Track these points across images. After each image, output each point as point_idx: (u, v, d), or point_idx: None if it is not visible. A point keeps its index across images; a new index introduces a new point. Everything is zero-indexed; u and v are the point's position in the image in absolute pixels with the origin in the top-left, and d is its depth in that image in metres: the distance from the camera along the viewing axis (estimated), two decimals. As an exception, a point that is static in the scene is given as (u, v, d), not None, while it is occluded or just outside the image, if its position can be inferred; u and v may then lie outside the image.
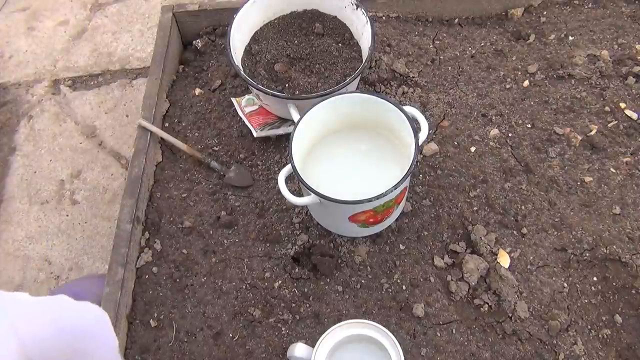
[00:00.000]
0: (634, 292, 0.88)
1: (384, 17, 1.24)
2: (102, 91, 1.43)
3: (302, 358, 0.78)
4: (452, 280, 0.90)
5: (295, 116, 0.96)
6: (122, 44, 1.53)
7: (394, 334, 0.85)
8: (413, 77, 1.14)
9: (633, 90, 1.09)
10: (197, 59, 1.26)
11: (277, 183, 0.87)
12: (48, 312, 0.49)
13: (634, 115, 1.06)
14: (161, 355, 0.88)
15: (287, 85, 1.04)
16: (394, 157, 0.92)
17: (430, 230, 0.96)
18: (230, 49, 1.01)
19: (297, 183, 1.03)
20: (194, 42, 1.26)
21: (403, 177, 0.80)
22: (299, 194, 0.94)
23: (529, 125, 1.07)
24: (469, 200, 0.98)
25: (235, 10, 1.05)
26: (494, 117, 1.09)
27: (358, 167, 0.95)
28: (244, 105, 1.12)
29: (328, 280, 0.92)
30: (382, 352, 0.78)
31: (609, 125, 1.05)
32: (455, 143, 1.06)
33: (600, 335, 0.85)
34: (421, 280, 0.91)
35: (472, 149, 1.04)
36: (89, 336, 0.52)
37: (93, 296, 0.96)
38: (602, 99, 1.09)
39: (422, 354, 0.84)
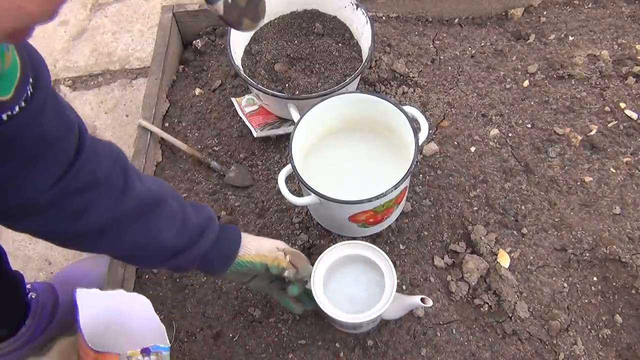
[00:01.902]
0: (634, 292, 0.88)
1: (384, 17, 1.24)
2: (102, 91, 1.43)
3: None
4: (452, 280, 0.90)
5: (295, 116, 0.96)
6: (122, 44, 1.53)
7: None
8: (413, 77, 1.14)
9: (633, 90, 1.09)
10: (197, 59, 1.26)
11: (277, 183, 0.87)
12: (108, 302, 0.64)
13: (634, 115, 1.06)
14: (161, 355, 0.88)
15: (287, 85, 1.04)
16: (394, 157, 0.92)
17: (430, 230, 0.96)
18: (230, 49, 1.01)
19: (297, 183, 1.03)
20: (194, 42, 1.26)
21: (403, 177, 0.80)
22: (299, 194, 0.94)
23: (529, 125, 1.07)
24: (469, 200, 0.98)
25: (235, 10, 1.05)
26: (494, 117, 1.09)
27: (358, 167, 0.95)
28: (244, 105, 1.12)
29: (328, 280, 0.92)
30: (375, 271, 0.81)
31: (609, 125, 1.05)
32: (455, 143, 1.06)
33: (600, 335, 0.85)
34: (421, 280, 0.91)
35: (472, 149, 1.04)
36: (135, 316, 0.64)
37: (99, 276, 0.96)
38: (602, 99, 1.09)
39: (422, 354, 0.84)
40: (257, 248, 0.76)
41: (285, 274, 0.77)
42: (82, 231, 0.60)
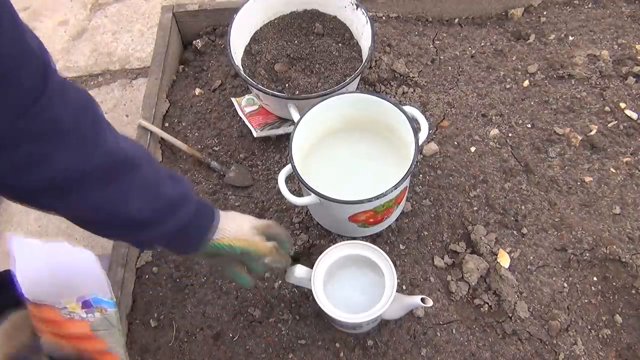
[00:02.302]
0: (634, 292, 0.88)
1: (384, 17, 1.24)
2: (102, 91, 1.43)
3: (302, 277, 0.80)
4: (452, 280, 0.90)
5: (295, 116, 0.96)
6: (122, 44, 1.53)
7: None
8: (413, 77, 1.14)
9: (633, 90, 1.09)
10: (197, 59, 1.26)
11: (277, 183, 0.87)
12: (48, 253, 0.57)
13: (634, 115, 1.06)
14: (161, 355, 0.88)
15: (287, 85, 1.04)
16: (394, 157, 0.92)
17: (430, 230, 0.96)
18: (230, 49, 1.01)
19: (297, 183, 1.03)
20: (194, 42, 1.26)
21: (403, 177, 0.80)
22: (299, 194, 0.94)
23: (529, 125, 1.07)
24: (469, 200, 0.98)
25: (235, 10, 1.05)
26: (494, 117, 1.09)
27: (358, 167, 0.95)
28: (244, 105, 1.12)
29: (328, 280, 0.92)
30: (376, 272, 0.81)
31: (609, 125, 1.05)
32: (455, 143, 1.06)
33: (600, 335, 0.85)
34: (421, 280, 0.91)
35: (472, 149, 1.04)
36: (77, 270, 0.58)
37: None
38: (602, 99, 1.09)
39: (422, 354, 0.84)
40: (237, 231, 0.70)
41: (266, 260, 0.73)
42: (37, 186, 0.52)
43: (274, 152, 1.08)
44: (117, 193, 0.57)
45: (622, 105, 1.07)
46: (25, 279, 0.53)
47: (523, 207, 0.97)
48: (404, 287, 0.90)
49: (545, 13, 1.24)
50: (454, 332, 0.86)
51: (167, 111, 1.17)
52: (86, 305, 0.56)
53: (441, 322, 0.87)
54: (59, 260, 0.57)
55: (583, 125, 1.06)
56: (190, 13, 1.24)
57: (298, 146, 0.87)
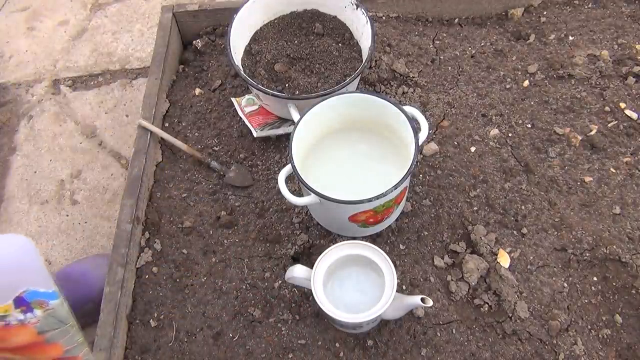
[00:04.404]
0: (634, 292, 0.88)
1: (384, 17, 1.24)
2: (102, 91, 1.43)
3: (302, 278, 0.80)
4: (452, 280, 0.90)
5: (295, 116, 0.96)
6: (122, 44, 1.53)
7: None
8: (413, 77, 1.14)
9: (633, 90, 1.09)
10: (197, 59, 1.26)
11: (277, 183, 0.87)
12: None
13: (634, 115, 1.06)
14: (161, 355, 0.88)
15: (287, 85, 1.04)
16: (394, 157, 0.92)
17: (430, 230, 0.96)
18: (230, 49, 1.01)
19: (297, 183, 1.03)
20: (194, 42, 1.26)
21: (403, 177, 0.80)
22: (299, 194, 0.94)
23: (529, 125, 1.07)
24: (469, 200, 0.98)
25: (235, 10, 1.05)
26: (494, 117, 1.09)
27: (358, 167, 0.95)
28: (244, 105, 1.12)
29: (328, 280, 0.92)
30: (376, 271, 0.81)
31: (609, 125, 1.05)
32: (455, 143, 1.06)
33: (600, 335, 0.85)
34: (421, 280, 0.91)
35: (472, 149, 1.04)
36: (14, 267, 0.46)
37: (100, 275, 0.96)
38: (602, 99, 1.09)
39: (422, 354, 0.84)
40: None
41: None
42: None
43: (274, 152, 1.08)
44: None
45: (622, 105, 1.07)
46: None
47: (523, 207, 0.97)
48: (404, 287, 0.90)
49: (545, 13, 1.24)
50: (454, 332, 0.86)
51: (167, 111, 1.17)
52: (21, 303, 0.45)
53: (441, 322, 0.87)
54: None
55: (583, 125, 1.06)
56: (190, 13, 1.24)
57: (298, 146, 0.87)
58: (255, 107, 1.11)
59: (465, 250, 0.93)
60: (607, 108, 1.07)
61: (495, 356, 0.84)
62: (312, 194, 0.81)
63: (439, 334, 0.86)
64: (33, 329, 0.47)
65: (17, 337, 0.48)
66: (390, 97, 1.11)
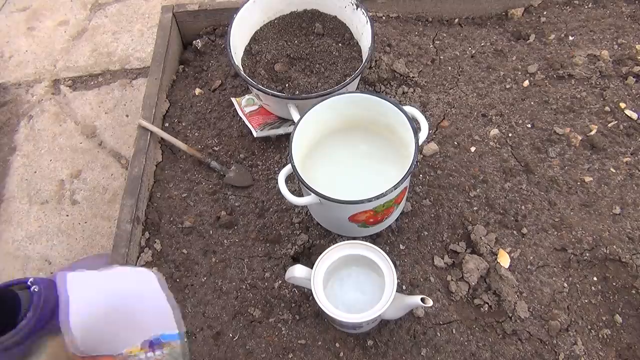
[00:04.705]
0: (634, 292, 0.88)
1: (384, 17, 1.24)
2: (102, 91, 1.43)
3: (302, 278, 0.80)
4: (452, 280, 0.90)
5: (295, 116, 0.96)
6: (122, 44, 1.53)
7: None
8: (413, 77, 1.14)
9: (633, 90, 1.09)
10: (197, 59, 1.26)
11: (277, 183, 0.87)
12: (105, 283, 0.48)
13: (634, 115, 1.06)
14: (161, 355, 0.88)
15: (287, 85, 1.04)
16: (394, 157, 0.92)
17: (430, 230, 0.96)
18: (230, 49, 1.01)
19: (297, 183, 1.03)
20: (194, 42, 1.26)
21: (403, 177, 0.80)
22: (299, 194, 0.94)
23: (529, 125, 1.07)
24: (469, 200, 0.98)
25: (235, 10, 1.05)
26: (494, 117, 1.09)
27: (358, 167, 0.95)
28: (244, 105, 1.12)
29: (328, 280, 0.92)
30: (376, 271, 0.81)
31: (609, 125, 1.05)
32: (455, 143, 1.06)
33: (600, 335, 0.85)
34: (421, 280, 0.91)
35: (472, 149, 1.04)
36: (137, 297, 0.50)
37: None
38: (602, 99, 1.09)
39: (422, 354, 0.84)
40: None
41: None
42: None
43: (274, 152, 1.08)
44: None
45: (622, 105, 1.07)
46: (78, 325, 0.46)
47: (523, 207, 0.97)
48: (404, 287, 0.90)
49: (545, 13, 1.24)
50: (454, 332, 0.86)
51: (167, 111, 1.17)
52: (151, 346, 0.49)
53: (441, 322, 0.87)
54: (116, 291, 0.49)
55: (583, 125, 1.06)
56: (190, 13, 1.24)
57: (298, 146, 0.87)
58: (255, 107, 1.11)
59: (465, 250, 0.93)
60: (607, 108, 1.07)
61: (495, 356, 0.84)
62: (312, 194, 0.81)
63: (439, 334, 0.86)
64: None
65: None
66: (390, 97, 1.11)
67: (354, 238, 0.94)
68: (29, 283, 0.91)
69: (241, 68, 1.05)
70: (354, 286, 0.84)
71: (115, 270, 0.51)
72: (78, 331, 0.47)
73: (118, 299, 0.48)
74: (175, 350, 0.50)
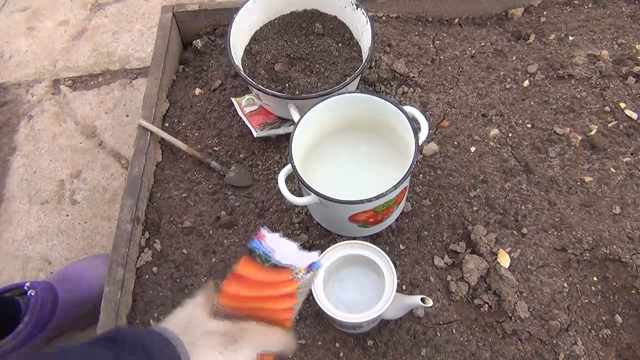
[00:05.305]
0: (634, 292, 0.88)
1: (384, 17, 1.24)
2: (102, 91, 1.43)
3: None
4: (452, 280, 0.90)
5: (295, 116, 0.96)
6: (122, 44, 1.53)
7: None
8: (413, 77, 1.14)
9: (633, 90, 1.09)
10: (197, 59, 1.26)
11: (277, 183, 0.87)
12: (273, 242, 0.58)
13: (634, 115, 1.06)
14: (161, 355, 0.88)
15: (287, 85, 1.04)
16: (394, 157, 0.92)
17: (430, 230, 0.96)
18: (230, 49, 1.01)
19: (297, 183, 1.03)
20: (194, 42, 1.26)
21: (403, 177, 0.80)
22: (299, 194, 0.94)
23: (529, 125, 1.07)
24: (469, 200, 0.98)
25: (235, 10, 1.05)
26: (494, 117, 1.09)
27: (358, 167, 0.95)
28: (244, 105, 1.12)
29: (328, 280, 0.92)
30: (376, 272, 0.81)
31: (609, 125, 1.05)
32: (455, 143, 1.06)
33: (600, 335, 0.85)
34: (421, 280, 0.91)
35: (472, 149, 1.04)
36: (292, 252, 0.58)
37: (99, 275, 0.96)
38: (602, 99, 1.09)
39: (422, 354, 0.84)
40: None
41: None
42: None
43: (274, 152, 1.08)
44: None
45: (622, 105, 1.07)
46: (279, 252, 0.57)
47: (523, 207, 0.97)
48: (404, 287, 0.90)
49: (545, 13, 1.24)
50: (454, 332, 0.86)
51: (167, 111, 1.17)
52: (309, 268, 0.58)
53: (441, 322, 0.87)
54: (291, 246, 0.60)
55: (583, 125, 1.06)
56: (190, 13, 1.24)
57: (298, 146, 0.87)
58: (255, 107, 1.11)
59: (465, 250, 0.93)
60: (607, 108, 1.07)
61: (495, 356, 0.84)
62: (312, 194, 0.81)
63: (439, 334, 0.86)
64: (296, 285, 0.57)
65: (286, 289, 0.57)
66: (390, 97, 1.11)
67: (354, 238, 0.94)
68: (25, 288, 0.91)
69: (241, 68, 1.05)
70: (354, 286, 0.84)
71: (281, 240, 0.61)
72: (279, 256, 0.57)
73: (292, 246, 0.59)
74: (311, 279, 0.60)
